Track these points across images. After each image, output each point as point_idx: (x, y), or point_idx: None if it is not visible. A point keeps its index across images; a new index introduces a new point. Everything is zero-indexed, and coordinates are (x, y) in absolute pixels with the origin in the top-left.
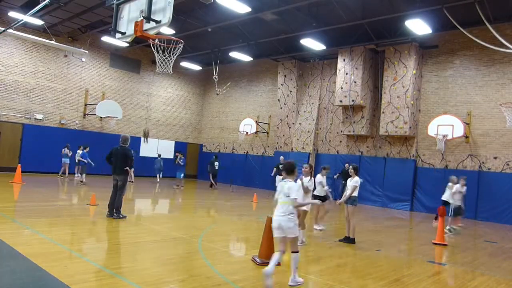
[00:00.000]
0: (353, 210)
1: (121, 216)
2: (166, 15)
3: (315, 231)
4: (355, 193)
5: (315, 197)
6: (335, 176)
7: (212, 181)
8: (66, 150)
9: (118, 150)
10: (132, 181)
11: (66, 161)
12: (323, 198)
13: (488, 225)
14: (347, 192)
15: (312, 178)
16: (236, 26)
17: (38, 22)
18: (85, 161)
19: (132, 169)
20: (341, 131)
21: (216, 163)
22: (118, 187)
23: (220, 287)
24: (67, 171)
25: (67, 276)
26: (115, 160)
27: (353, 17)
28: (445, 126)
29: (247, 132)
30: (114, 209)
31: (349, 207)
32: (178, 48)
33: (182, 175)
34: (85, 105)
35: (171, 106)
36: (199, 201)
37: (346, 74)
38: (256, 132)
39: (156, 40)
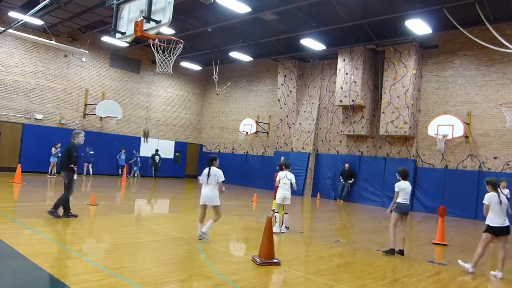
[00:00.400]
0: (391, 217)
1: (55, 214)
2: (166, 15)
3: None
4: (398, 199)
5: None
6: (341, 180)
7: (153, 174)
8: (55, 150)
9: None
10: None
11: (54, 160)
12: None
13: None
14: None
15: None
16: (236, 26)
17: (38, 22)
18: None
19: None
20: (341, 131)
21: (157, 157)
22: (64, 185)
23: (220, 287)
24: (54, 170)
25: (67, 276)
26: (61, 157)
27: (353, 17)
28: (445, 126)
29: (247, 132)
30: (56, 206)
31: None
32: (178, 48)
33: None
34: (85, 105)
35: (171, 106)
36: (199, 201)
37: (346, 74)
38: (256, 132)
39: (156, 40)
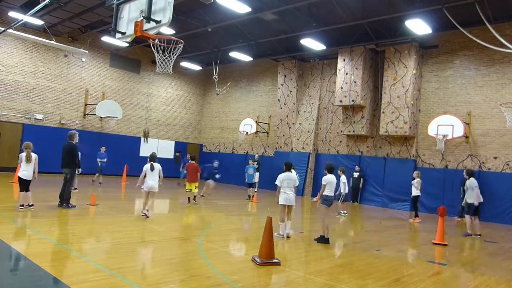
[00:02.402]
0: (321, 208)
1: (70, 206)
2: (166, 15)
3: None
4: (325, 192)
5: None
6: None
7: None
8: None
9: (65, 146)
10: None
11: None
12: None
13: (488, 225)
14: None
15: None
16: (236, 26)
17: (38, 22)
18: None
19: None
20: (341, 131)
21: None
22: (67, 180)
23: (220, 287)
24: None
25: (67, 276)
26: (63, 155)
27: (353, 17)
28: (445, 126)
29: (247, 132)
30: (63, 200)
31: None
32: (178, 48)
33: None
34: (85, 105)
35: (171, 106)
36: (199, 201)
37: (346, 74)
38: (256, 132)
39: (156, 40)
